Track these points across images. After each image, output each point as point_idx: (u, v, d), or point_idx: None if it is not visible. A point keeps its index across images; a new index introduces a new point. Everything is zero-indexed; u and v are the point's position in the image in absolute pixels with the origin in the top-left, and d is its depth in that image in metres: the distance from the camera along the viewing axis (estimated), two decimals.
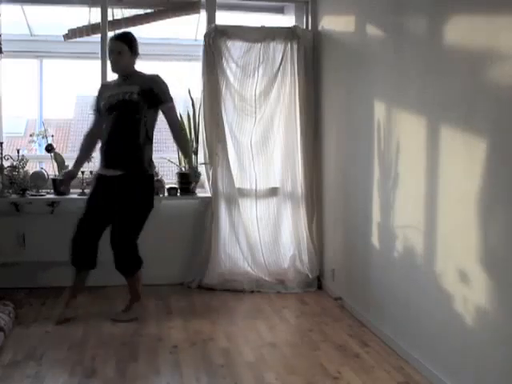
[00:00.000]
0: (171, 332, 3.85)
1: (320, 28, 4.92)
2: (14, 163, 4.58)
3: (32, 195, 4.59)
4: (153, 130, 4.01)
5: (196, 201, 4.98)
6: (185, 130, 4.78)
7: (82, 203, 4.71)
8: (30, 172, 4.67)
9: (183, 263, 4.97)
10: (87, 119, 6.27)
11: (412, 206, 3.38)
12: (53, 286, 4.73)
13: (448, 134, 3.02)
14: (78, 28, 4.96)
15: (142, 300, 4.14)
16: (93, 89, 4.92)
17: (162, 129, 5.87)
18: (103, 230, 3.98)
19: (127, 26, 5.10)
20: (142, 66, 5.58)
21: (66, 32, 4.95)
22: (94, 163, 4.70)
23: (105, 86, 4.16)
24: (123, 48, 3.91)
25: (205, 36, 4.79)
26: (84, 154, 4.17)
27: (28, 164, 4.67)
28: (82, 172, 4.67)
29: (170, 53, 5.38)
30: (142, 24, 5.10)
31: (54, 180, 4.64)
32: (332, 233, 4.75)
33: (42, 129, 4.83)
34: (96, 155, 4.54)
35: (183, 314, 4.24)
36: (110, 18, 4.93)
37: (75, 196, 4.64)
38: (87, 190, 4.64)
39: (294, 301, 4.60)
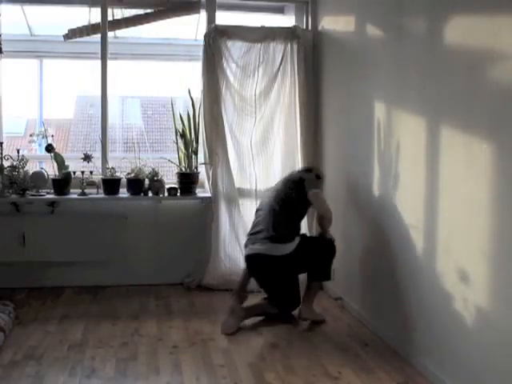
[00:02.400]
0: (171, 332, 3.85)
1: (320, 28, 4.92)
2: (14, 163, 4.58)
3: (32, 195, 4.59)
4: None
5: (196, 201, 4.98)
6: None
7: (81, 203, 4.74)
8: (30, 172, 4.66)
9: (183, 263, 4.96)
10: (87, 119, 6.29)
11: (412, 206, 3.38)
12: (53, 285, 4.74)
13: (448, 134, 3.02)
14: (78, 28, 4.96)
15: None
16: (93, 89, 4.95)
17: (161, 129, 5.89)
18: None
19: (127, 25, 5.10)
20: (142, 66, 5.61)
21: (66, 32, 4.95)
22: (94, 163, 4.72)
23: None
24: None
25: (205, 36, 4.78)
26: None
27: (28, 164, 4.66)
28: (82, 172, 4.68)
29: (170, 53, 5.38)
30: (141, 24, 5.10)
31: (53, 180, 4.65)
32: (332, 233, 4.74)
33: (42, 129, 4.83)
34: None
35: (183, 314, 4.24)
36: (110, 18, 4.93)
37: (75, 196, 4.64)
38: (87, 190, 4.65)
39: None
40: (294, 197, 4.04)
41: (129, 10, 5.08)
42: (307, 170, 4.33)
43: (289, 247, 3.95)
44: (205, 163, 4.85)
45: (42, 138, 4.79)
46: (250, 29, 4.86)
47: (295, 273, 4.07)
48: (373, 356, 3.48)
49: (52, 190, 4.65)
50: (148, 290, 4.73)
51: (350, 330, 3.92)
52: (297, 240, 4.00)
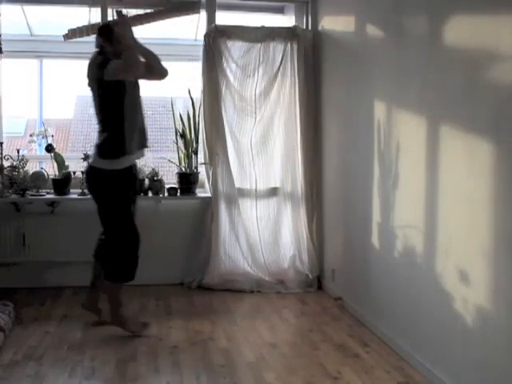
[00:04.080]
0: (171, 332, 3.85)
1: (320, 28, 4.92)
2: (14, 163, 4.58)
3: (32, 195, 4.59)
4: None
5: (196, 201, 4.98)
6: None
7: (81, 203, 4.72)
8: (30, 172, 4.67)
9: (183, 263, 4.96)
10: (87, 119, 6.30)
11: (412, 206, 3.38)
12: (53, 286, 4.73)
13: (448, 134, 3.02)
14: (78, 28, 4.95)
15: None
16: None
17: (161, 129, 5.90)
18: None
19: None
20: None
21: (66, 32, 4.94)
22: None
23: None
24: None
25: (205, 36, 4.79)
26: None
27: (28, 164, 4.66)
28: (82, 172, 4.67)
29: (170, 53, 5.37)
30: (142, 24, 5.09)
31: (53, 180, 4.64)
32: (332, 233, 4.75)
33: (42, 129, 4.83)
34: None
35: (183, 314, 4.24)
36: (109, 18, 4.93)
37: (75, 196, 4.64)
38: (87, 190, 4.64)
39: (293, 301, 4.60)
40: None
41: (129, 10, 5.08)
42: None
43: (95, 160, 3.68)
44: (205, 163, 4.85)
45: (42, 138, 4.79)
46: (249, 29, 4.86)
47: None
48: (373, 356, 3.48)
49: (52, 190, 4.65)
50: (148, 290, 4.73)
51: (350, 330, 3.92)
52: (101, 163, 3.60)
